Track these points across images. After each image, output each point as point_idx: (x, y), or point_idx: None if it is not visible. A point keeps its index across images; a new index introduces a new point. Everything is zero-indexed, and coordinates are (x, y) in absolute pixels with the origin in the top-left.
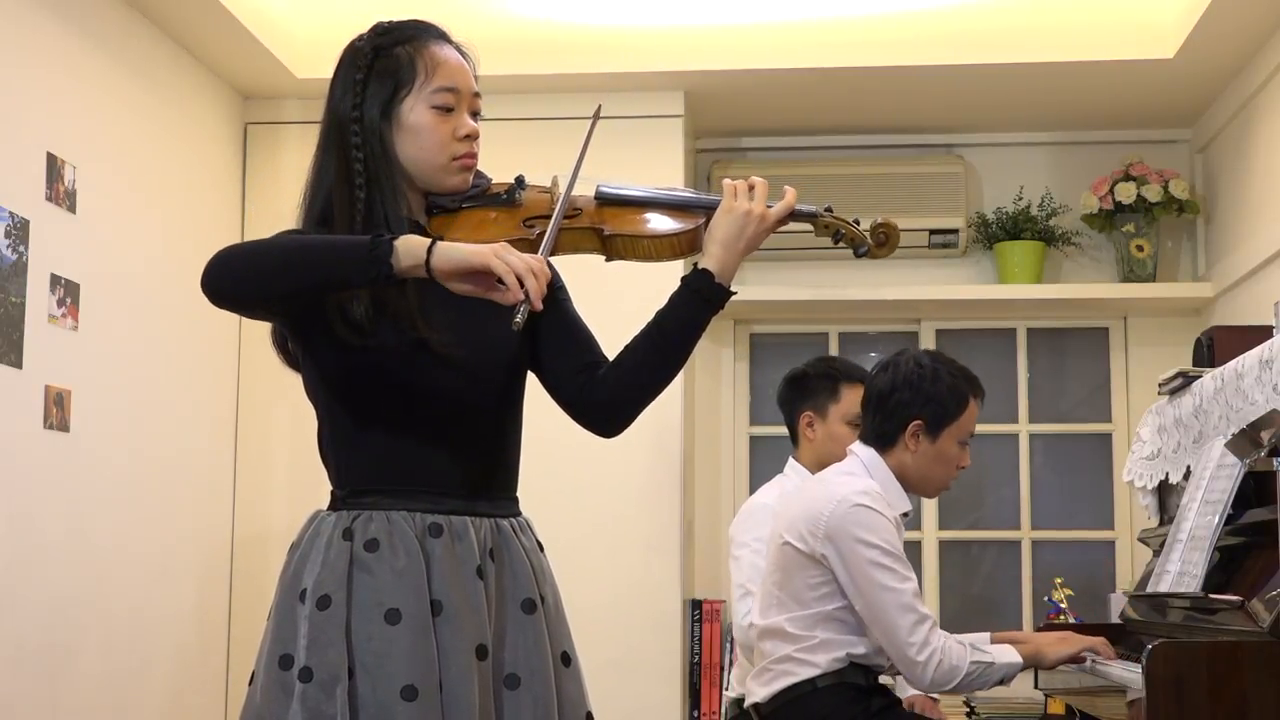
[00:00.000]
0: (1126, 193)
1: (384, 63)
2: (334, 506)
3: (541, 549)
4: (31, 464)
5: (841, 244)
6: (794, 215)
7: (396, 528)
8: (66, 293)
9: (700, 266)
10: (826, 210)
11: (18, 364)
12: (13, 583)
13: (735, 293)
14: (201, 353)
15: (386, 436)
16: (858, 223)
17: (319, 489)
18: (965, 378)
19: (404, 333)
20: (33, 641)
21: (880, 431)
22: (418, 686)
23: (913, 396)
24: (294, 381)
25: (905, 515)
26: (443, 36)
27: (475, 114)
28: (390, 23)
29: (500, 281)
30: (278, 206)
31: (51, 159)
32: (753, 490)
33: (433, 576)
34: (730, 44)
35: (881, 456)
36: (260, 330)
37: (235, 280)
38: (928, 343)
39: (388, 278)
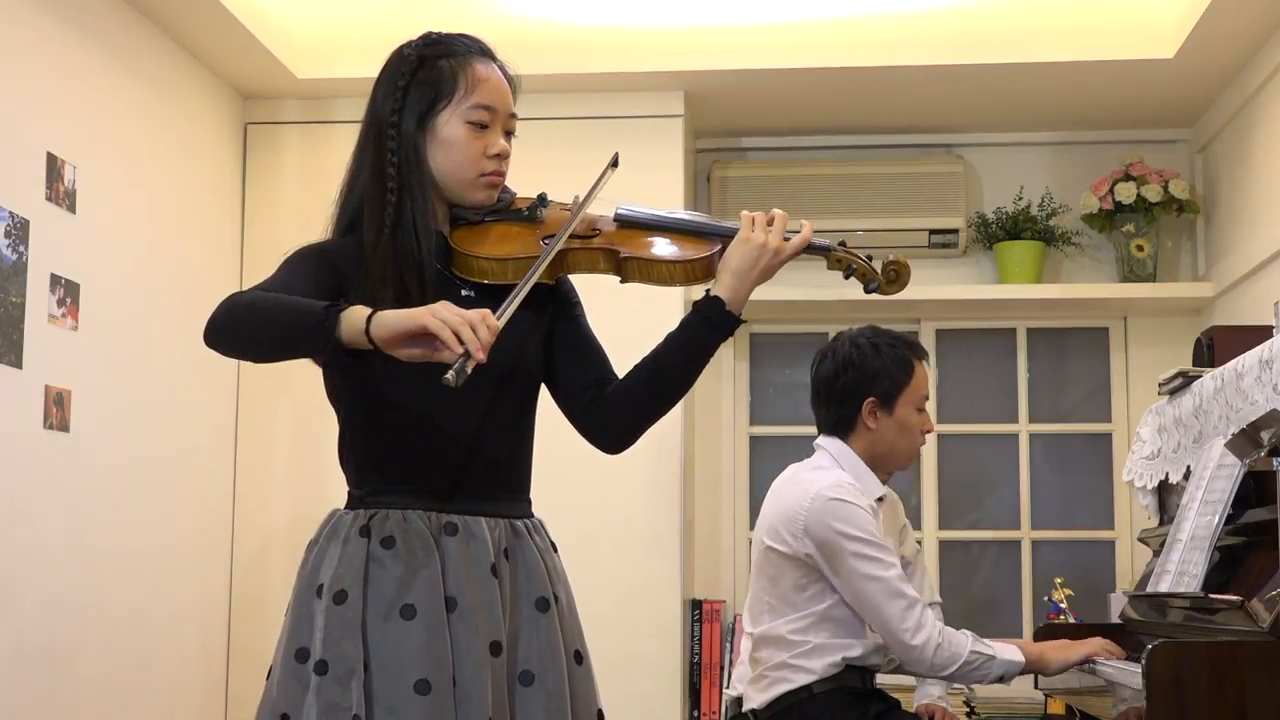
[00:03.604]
0: (1126, 193)
1: (427, 73)
2: (351, 505)
3: (555, 549)
4: (31, 464)
5: (853, 279)
6: (809, 248)
7: (412, 526)
8: (66, 293)
9: (712, 293)
10: (840, 245)
11: (18, 364)
12: (13, 583)
13: (745, 321)
14: (201, 352)
15: (405, 438)
16: (870, 259)
17: (319, 489)
18: (906, 344)
19: None
20: (32, 641)
21: (837, 418)
22: (431, 681)
23: (859, 376)
24: (294, 381)
25: (880, 500)
26: (489, 54)
27: (509, 134)
28: (439, 34)
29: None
30: (278, 206)
31: (51, 159)
32: (754, 489)
33: (447, 574)
34: (730, 44)
35: (845, 443)
36: None
37: (225, 344)
38: (928, 342)
39: (336, 350)
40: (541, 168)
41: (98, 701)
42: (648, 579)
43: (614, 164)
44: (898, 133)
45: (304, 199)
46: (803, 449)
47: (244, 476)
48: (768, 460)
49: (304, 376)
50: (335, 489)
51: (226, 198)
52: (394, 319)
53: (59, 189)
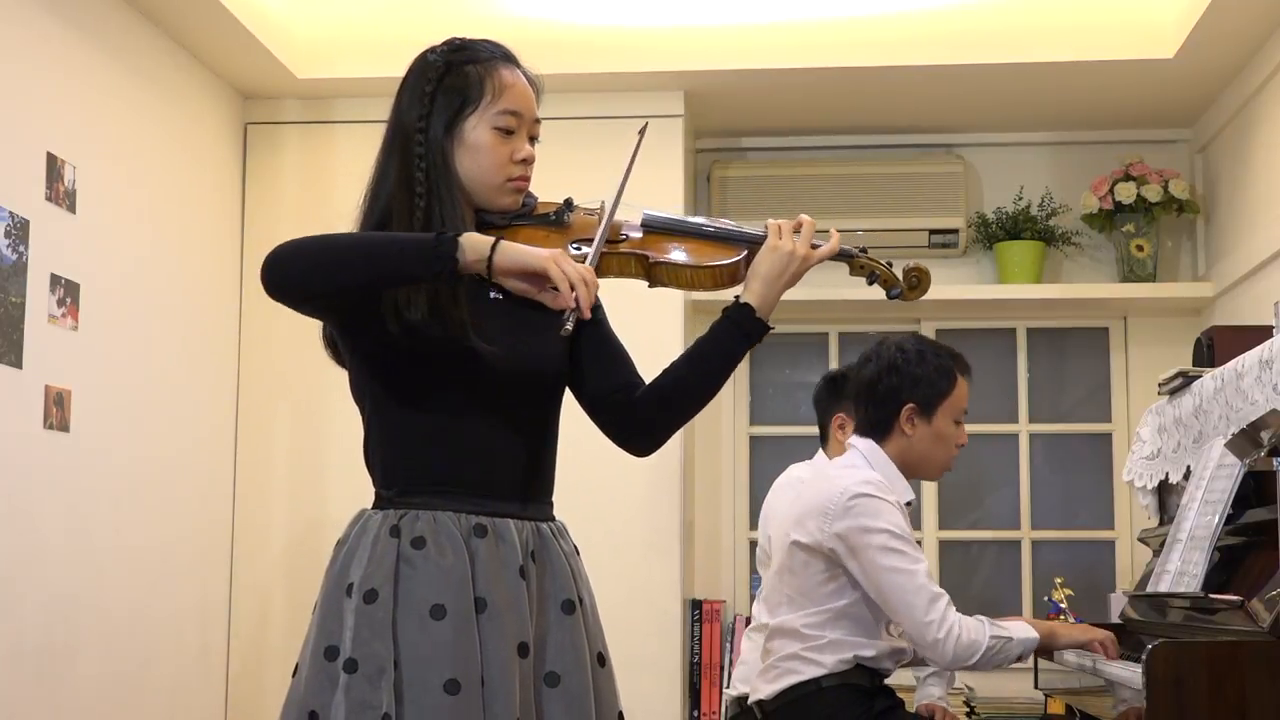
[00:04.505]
0: (1126, 193)
1: (453, 79)
2: (379, 506)
3: (577, 552)
4: (31, 464)
5: (875, 285)
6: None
7: (442, 527)
8: (66, 293)
9: (741, 300)
10: (862, 251)
11: (18, 364)
12: (13, 583)
13: (774, 328)
14: (201, 352)
15: (433, 440)
16: (890, 265)
17: (319, 489)
18: (950, 355)
19: (454, 341)
20: (32, 641)
21: (875, 420)
22: (460, 681)
23: (901, 381)
24: (294, 381)
25: (909, 504)
26: (513, 60)
27: (533, 139)
28: (464, 40)
29: (554, 288)
30: (278, 207)
31: (51, 159)
32: (754, 489)
33: (477, 575)
34: (730, 44)
35: (880, 446)
36: (260, 330)
37: (300, 272)
38: None
39: (451, 273)
40: (541, 168)
41: (98, 701)
42: (648, 579)
43: (642, 132)
44: (898, 133)
45: (304, 199)
46: (802, 449)
47: (244, 476)
48: (768, 460)
49: (304, 377)
50: (335, 489)
51: (226, 198)
52: (520, 252)
53: (59, 189)
